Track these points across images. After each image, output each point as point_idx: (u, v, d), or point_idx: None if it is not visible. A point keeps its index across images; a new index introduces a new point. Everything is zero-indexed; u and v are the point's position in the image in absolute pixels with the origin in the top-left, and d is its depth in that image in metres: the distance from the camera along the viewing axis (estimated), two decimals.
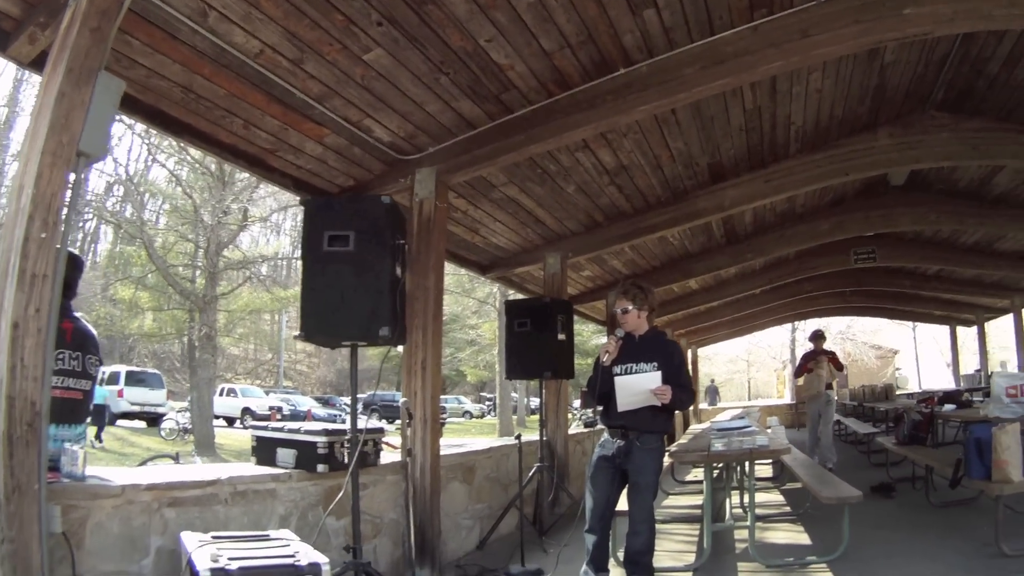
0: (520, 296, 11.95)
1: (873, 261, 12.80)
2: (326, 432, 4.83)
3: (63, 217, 3.24)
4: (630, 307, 4.81)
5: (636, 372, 4.65)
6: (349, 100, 5.22)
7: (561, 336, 7.69)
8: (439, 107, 5.54)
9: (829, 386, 10.62)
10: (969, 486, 6.08)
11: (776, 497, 8.95)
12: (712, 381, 44.84)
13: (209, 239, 19.91)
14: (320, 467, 4.70)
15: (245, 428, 26.41)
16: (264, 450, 5.04)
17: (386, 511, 5.53)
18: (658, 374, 4.54)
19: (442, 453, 6.18)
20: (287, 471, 4.73)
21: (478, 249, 9.16)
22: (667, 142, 6.98)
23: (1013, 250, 12.77)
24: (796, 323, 34.27)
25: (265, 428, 5.25)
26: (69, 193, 3.26)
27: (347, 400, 6.36)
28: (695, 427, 13.12)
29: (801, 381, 11.93)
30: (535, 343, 7.53)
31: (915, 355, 46.48)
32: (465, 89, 5.34)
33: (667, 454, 5.42)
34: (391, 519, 5.54)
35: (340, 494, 4.61)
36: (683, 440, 8.23)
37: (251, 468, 4.90)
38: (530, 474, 7.43)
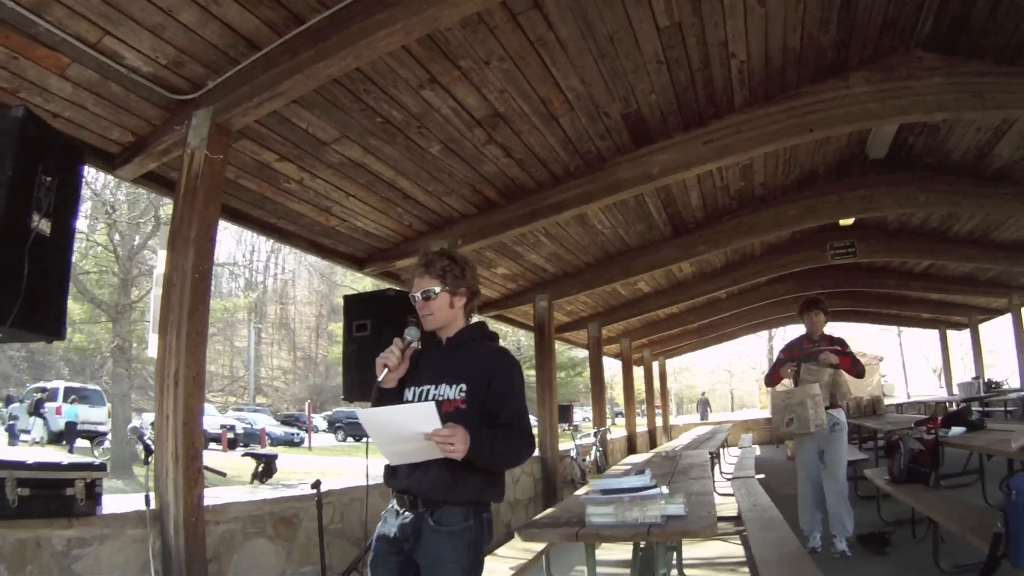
0: None
1: (853, 257, 10.87)
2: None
3: None
4: (437, 289, 2.82)
5: (436, 398, 2.71)
6: (74, 9, 3.73)
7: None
8: (198, 15, 3.92)
9: (834, 403, 6.16)
10: None
11: (734, 549, 6.81)
12: (703, 394, 43.42)
13: (121, 243, 17.88)
14: None
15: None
16: None
17: None
18: (432, 408, 2.50)
19: (246, 499, 4.77)
20: None
21: (343, 237, 7.17)
22: (554, 77, 5.01)
23: (1012, 239, 10.90)
24: (772, 331, 32.41)
25: None
26: None
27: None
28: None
29: (784, 387, 6.51)
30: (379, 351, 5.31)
31: (901, 362, 44.65)
32: None
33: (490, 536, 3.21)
34: None
35: None
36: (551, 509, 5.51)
37: None
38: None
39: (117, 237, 18.64)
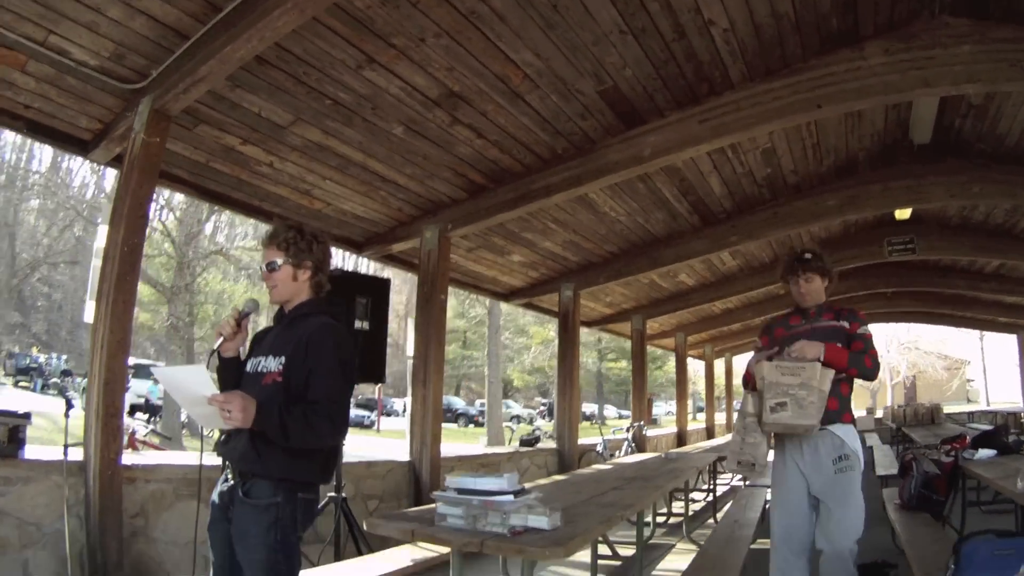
0: None
1: (912, 253, 9.89)
2: None
3: None
4: (279, 261, 2.73)
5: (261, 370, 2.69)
6: (19, 12, 4.06)
7: (363, 324, 5.40)
8: (123, 11, 4.12)
9: (849, 413, 3.71)
10: None
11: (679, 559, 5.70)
12: None
13: (178, 228, 18.40)
14: None
15: None
16: None
17: (46, 519, 4.22)
18: (203, 371, 2.52)
19: (181, 462, 5.14)
20: None
21: (333, 220, 7.05)
22: (504, 52, 4.67)
23: None
24: None
25: None
26: None
27: None
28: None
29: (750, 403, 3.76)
30: None
31: (983, 367, 41.48)
32: None
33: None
34: (56, 530, 4.22)
35: None
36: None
37: None
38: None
39: (172, 220, 19.15)
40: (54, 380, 28.10)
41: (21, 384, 28.54)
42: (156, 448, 10.61)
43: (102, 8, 4.04)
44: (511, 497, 2.96)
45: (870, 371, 3.65)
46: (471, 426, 35.92)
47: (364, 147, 5.69)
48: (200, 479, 4.07)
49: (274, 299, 2.80)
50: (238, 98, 4.90)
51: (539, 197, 6.47)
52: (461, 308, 36.79)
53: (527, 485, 3.76)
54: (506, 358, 37.64)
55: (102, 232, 4.83)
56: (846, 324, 3.75)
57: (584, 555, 5.52)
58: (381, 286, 5.73)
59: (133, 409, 23.88)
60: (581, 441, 11.07)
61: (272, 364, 2.63)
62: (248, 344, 2.86)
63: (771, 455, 3.86)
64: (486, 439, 21.05)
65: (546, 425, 31.04)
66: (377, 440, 24.14)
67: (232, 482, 2.64)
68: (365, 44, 4.41)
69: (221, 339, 2.74)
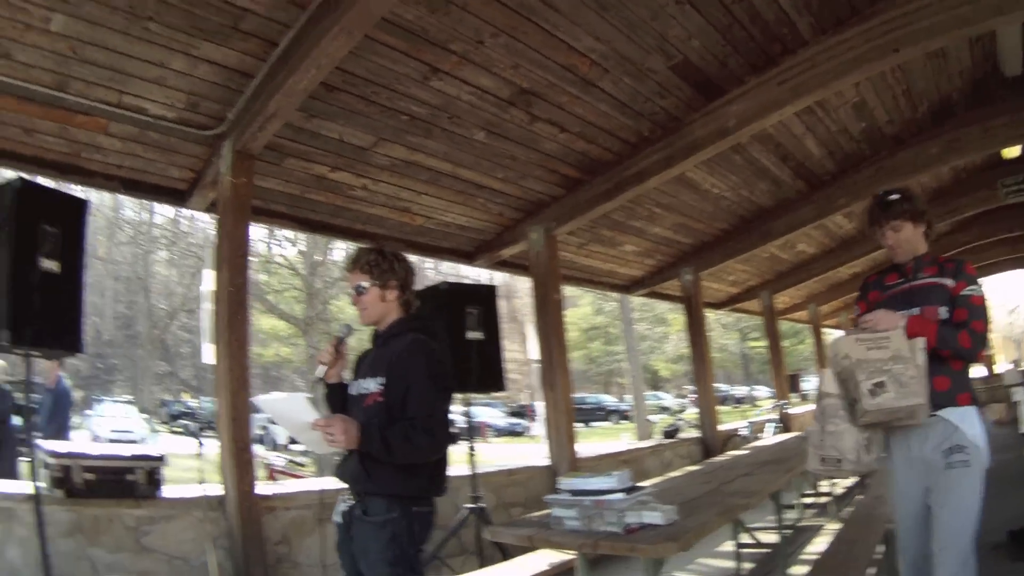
0: None
1: None
2: (68, 455, 4.20)
3: None
4: (365, 284, 2.85)
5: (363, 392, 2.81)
6: (86, 79, 4.27)
7: (476, 334, 5.55)
8: (185, 61, 4.29)
9: (967, 393, 2.94)
10: None
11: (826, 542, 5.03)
12: None
13: (301, 261, 19.22)
14: (56, 491, 4.09)
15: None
16: None
17: (193, 553, 4.44)
18: (301, 398, 2.67)
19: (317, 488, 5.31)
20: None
21: (438, 233, 7.21)
22: (564, 41, 4.69)
23: None
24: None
25: None
26: None
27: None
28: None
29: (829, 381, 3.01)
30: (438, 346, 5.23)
31: None
32: (190, 30, 4.03)
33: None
34: (203, 563, 4.40)
35: None
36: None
37: None
38: (459, 519, 5.46)
39: (297, 254, 19.90)
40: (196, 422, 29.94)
41: (175, 429, 30.36)
42: (296, 477, 11.20)
43: (165, 62, 4.23)
44: (622, 495, 2.94)
45: (967, 352, 2.89)
46: (623, 422, 35.36)
47: (450, 156, 5.81)
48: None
49: (365, 321, 2.92)
50: (316, 127, 5.09)
51: (634, 184, 6.42)
52: (597, 304, 36.78)
53: (657, 480, 3.70)
54: (647, 348, 37.34)
55: (207, 276, 5.08)
56: (950, 282, 3.00)
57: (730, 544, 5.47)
58: (488, 294, 5.87)
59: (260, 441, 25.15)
60: (727, 425, 10.85)
61: (372, 385, 2.74)
62: (351, 367, 3.00)
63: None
64: (632, 434, 20.78)
65: (689, 415, 30.85)
66: (526, 447, 24.30)
67: (351, 502, 2.77)
68: (424, 54, 4.52)
69: (322, 367, 2.89)
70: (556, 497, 3.15)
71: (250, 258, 5.25)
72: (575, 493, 3.09)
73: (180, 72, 4.34)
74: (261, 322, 22.52)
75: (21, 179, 3.58)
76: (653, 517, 2.93)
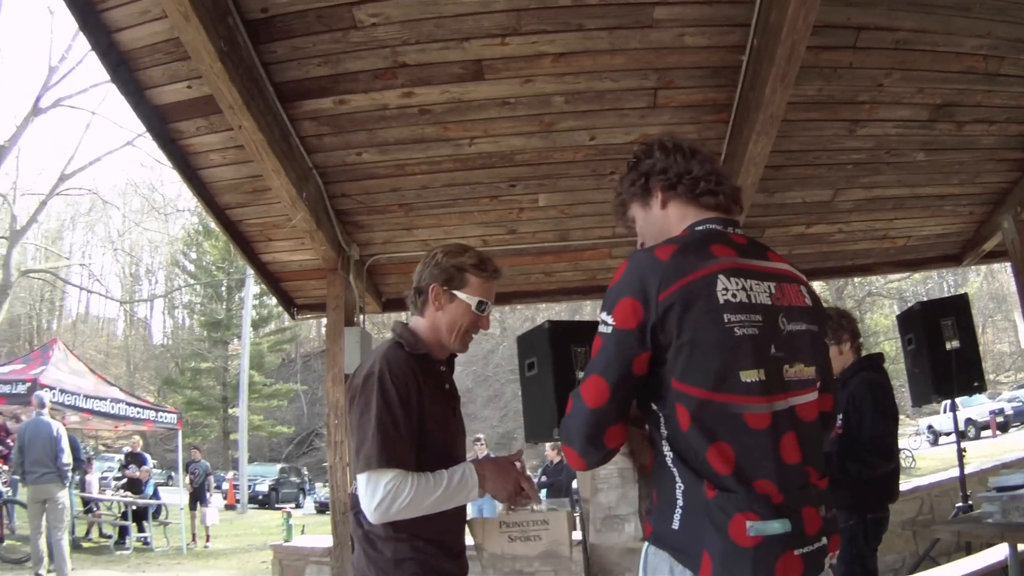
0: None
1: None
2: None
3: None
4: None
5: None
6: (582, 228, 6.64)
7: (953, 344, 6.23)
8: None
9: None
10: None
11: None
12: None
13: None
14: None
15: None
16: None
17: None
18: None
19: None
20: None
21: (922, 247, 7.97)
22: (950, 52, 5.38)
23: None
24: None
25: None
26: None
27: None
28: None
29: None
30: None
31: None
32: None
33: None
34: None
35: None
36: None
37: None
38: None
39: None
40: None
41: None
42: None
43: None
44: None
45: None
46: None
47: (903, 182, 6.64)
48: None
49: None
50: (780, 199, 6.44)
51: None
52: None
53: None
54: None
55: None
56: None
57: None
58: (962, 304, 6.64)
59: None
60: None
61: None
62: None
63: None
64: None
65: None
66: None
67: None
68: (840, 114, 5.59)
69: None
70: (985, 494, 3.65)
71: None
72: (1000, 489, 3.58)
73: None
74: None
75: (549, 321, 4.51)
76: None
